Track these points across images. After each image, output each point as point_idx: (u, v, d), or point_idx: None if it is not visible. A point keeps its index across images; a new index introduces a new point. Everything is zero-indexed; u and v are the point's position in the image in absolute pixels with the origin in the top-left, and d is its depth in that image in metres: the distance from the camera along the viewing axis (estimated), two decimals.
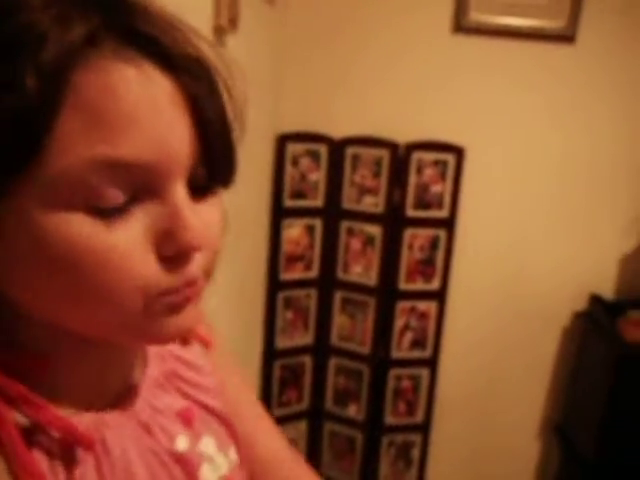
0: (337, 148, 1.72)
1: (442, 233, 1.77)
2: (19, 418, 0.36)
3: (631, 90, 1.70)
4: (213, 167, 0.39)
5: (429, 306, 1.81)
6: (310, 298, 1.81)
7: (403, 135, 1.72)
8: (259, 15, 1.36)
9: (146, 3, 0.36)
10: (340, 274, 1.79)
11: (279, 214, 1.73)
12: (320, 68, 1.74)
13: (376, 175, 1.73)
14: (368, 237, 1.76)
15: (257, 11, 1.32)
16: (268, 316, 1.77)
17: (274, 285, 1.76)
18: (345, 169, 1.74)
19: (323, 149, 1.73)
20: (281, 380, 1.82)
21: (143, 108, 0.33)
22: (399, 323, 1.80)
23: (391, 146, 1.71)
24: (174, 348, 0.52)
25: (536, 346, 1.89)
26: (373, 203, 1.74)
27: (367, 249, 1.76)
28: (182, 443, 0.46)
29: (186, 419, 0.48)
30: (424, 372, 1.85)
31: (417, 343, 1.83)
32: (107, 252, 0.33)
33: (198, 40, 0.37)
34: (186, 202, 0.36)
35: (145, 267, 0.35)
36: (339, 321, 1.83)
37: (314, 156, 1.73)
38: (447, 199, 1.75)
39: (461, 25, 1.70)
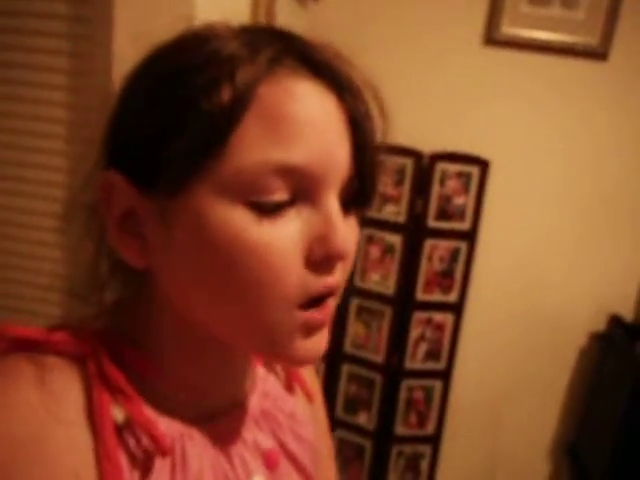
0: None
1: (463, 245, 1.75)
2: (116, 412, 0.38)
3: None
4: (361, 188, 0.41)
5: (445, 318, 1.80)
6: None
7: (428, 145, 1.71)
8: (294, 19, 1.36)
9: (313, 37, 0.41)
10: (357, 281, 1.79)
11: None
12: None
13: (398, 184, 1.72)
14: (388, 245, 1.75)
15: (292, 14, 1.32)
16: None
17: None
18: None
19: None
20: None
21: (315, 117, 0.37)
22: (414, 333, 1.79)
23: (415, 155, 1.70)
24: (279, 392, 0.53)
25: (552, 364, 1.86)
26: (394, 212, 1.73)
27: (386, 257, 1.75)
28: None
29: (270, 461, 0.48)
30: (437, 384, 1.83)
31: (431, 354, 1.81)
32: (266, 247, 0.36)
33: (356, 68, 0.41)
34: (338, 212, 0.39)
35: (296, 267, 0.37)
36: (354, 328, 1.82)
37: None
38: (469, 211, 1.74)
39: (493, 37, 1.69)
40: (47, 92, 0.99)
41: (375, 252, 1.76)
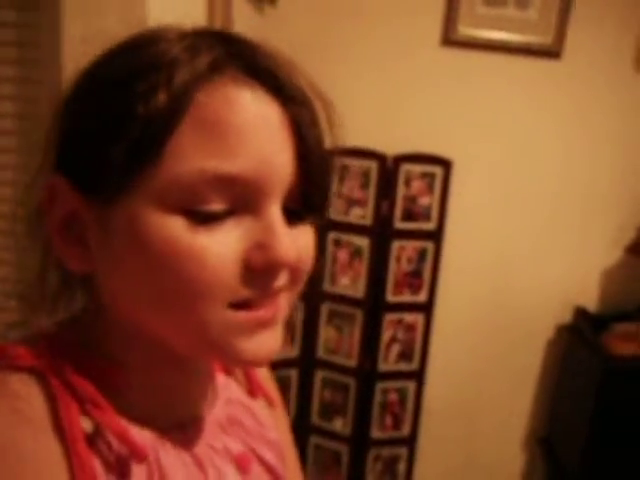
0: None
1: (430, 245, 1.76)
2: (85, 422, 0.38)
3: (614, 107, 1.73)
4: (308, 195, 0.41)
5: (416, 318, 1.80)
6: (296, 310, 1.78)
7: (391, 147, 1.71)
8: (250, 24, 1.34)
9: (261, 42, 0.40)
10: (327, 286, 1.77)
11: None
12: None
13: (364, 187, 1.72)
14: (356, 249, 1.75)
15: (249, 19, 1.30)
16: None
17: None
18: (333, 180, 1.72)
19: None
20: None
21: (254, 126, 0.37)
22: (386, 335, 1.79)
23: (379, 158, 1.70)
24: (242, 397, 0.53)
25: (521, 358, 1.89)
26: (361, 215, 1.72)
27: (354, 261, 1.75)
28: None
29: (242, 465, 0.48)
30: (411, 385, 1.84)
31: (404, 355, 1.82)
32: (200, 250, 0.36)
33: (302, 75, 0.42)
34: (280, 221, 0.38)
35: (232, 271, 0.37)
36: (326, 333, 1.80)
37: None
38: (435, 211, 1.75)
39: (450, 38, 1.70)
40: None
41: (343, 256, 1.76)
